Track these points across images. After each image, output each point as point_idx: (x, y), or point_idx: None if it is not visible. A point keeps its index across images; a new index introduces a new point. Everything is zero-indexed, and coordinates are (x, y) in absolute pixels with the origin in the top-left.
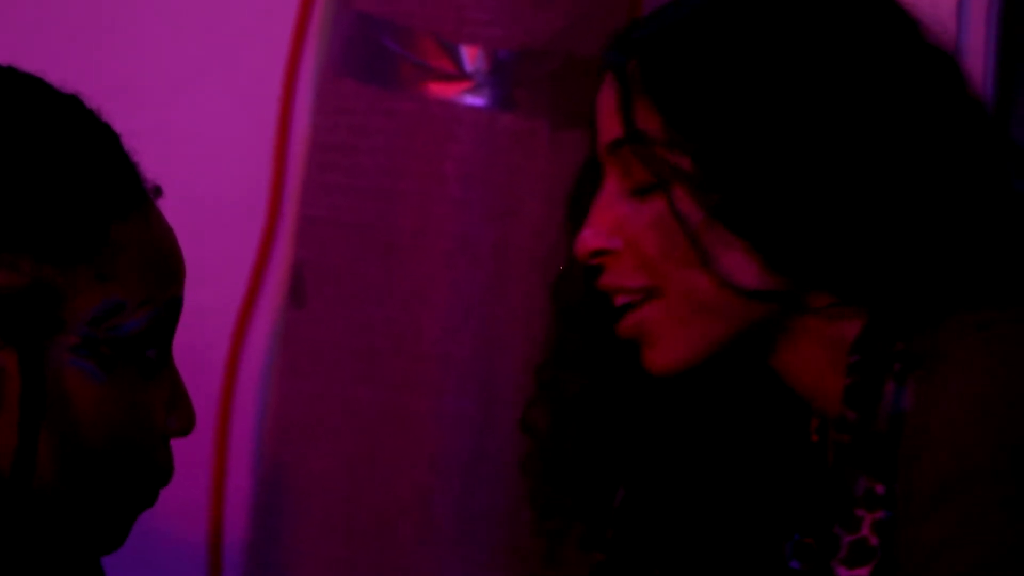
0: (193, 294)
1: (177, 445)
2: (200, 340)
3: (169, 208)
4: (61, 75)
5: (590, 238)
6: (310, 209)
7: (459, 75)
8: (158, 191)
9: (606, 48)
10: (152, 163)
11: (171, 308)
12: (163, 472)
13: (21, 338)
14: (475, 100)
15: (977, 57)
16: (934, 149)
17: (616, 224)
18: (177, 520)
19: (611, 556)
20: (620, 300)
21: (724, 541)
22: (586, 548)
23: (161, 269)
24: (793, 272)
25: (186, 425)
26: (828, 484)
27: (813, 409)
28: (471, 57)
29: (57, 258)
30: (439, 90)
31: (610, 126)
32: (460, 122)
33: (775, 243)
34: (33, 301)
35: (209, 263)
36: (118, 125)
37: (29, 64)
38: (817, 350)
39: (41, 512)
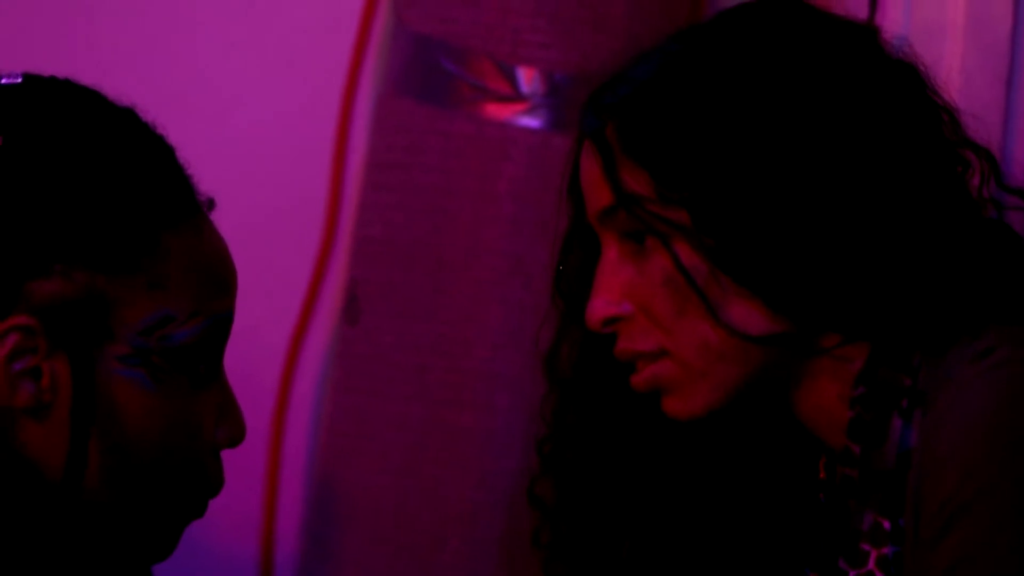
0: (249, 310)
1: (230, 460)
2: (255, 355)
3: (226, 224)
4: (119, 90)
5: (601, 307)
6: (365, 227)
7: (515, 96)
8: (211, 203)
9: (581, 115)
10: (210, 180)
11: (222, 321)
12: (212, 483)
13: (73, 346)
14: (530, 121)
15: None
16: (916, 179)
17: (624, 289)
18: (229, 534)
19: None
20: (639, 364)
21: None
22: None
23: (212, 281)
24: (796, 314)
25: (235, 436)
26: (834, 518)
27: (822, 446)
28: (527, 79)
29: (109, 268)
30: (495, 111)
31: (599, 194)
32: (515, 143)
33: (775, 286)
34: (85, 310)
35: (265, 279)
36: (177, 141)
37: (90, 77)
38: (828, 387)
39: (90, 519)
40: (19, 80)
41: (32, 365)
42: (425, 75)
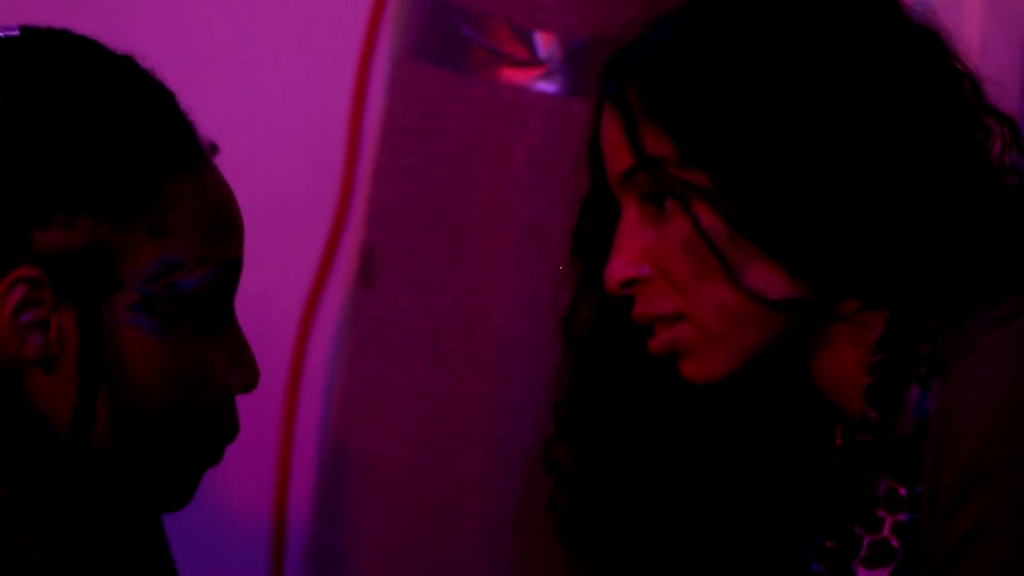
0: (263, 274)
1: (243, 426)
2: (269, 320)
3: (242, 189)
4: (139, 58)
5: (620, 269)
6: (381, 192)
7: (532, 61)
8: (214, 148)
9: (601, 77)
10: (226, 144)
11: (231, 268)
12: (227, 429)
13: (79, 297)
14: (547, 87)
15: None
16: (938, 145)
17: (643, 252)
18: (241, 502)
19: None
20: (657, 328)
21: (747, 546)
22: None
23: (218, 227)
24: (816, 279)
25: (249, 380)
26: (850, 484)
27: (839, 413)
28: (544, 44)
29: (112, 215)
30: (512, 76)
31: (619, 156)
32: (532, 108)
33: (795, 250)
34: (90, 260)
35: (280, 244)
36: (193, 106)
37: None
38: (847, 353)
39: (101, 470)
40: (16, 33)
41: (40, 317)
42: (442, 39)
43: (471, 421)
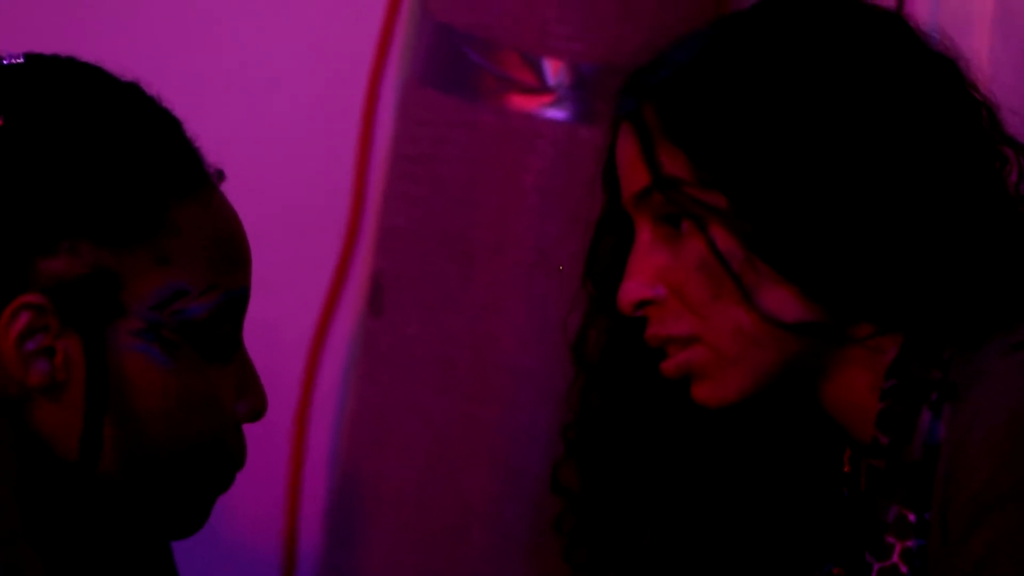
0: (273, 300)
1: (253, 450)
2: (279, 347)
3: (250, 215)
4: (141, 76)
5: (634, 289)
6: (390, 218)
7: (541, 88)
8: (221, 175)
9: (619, 96)
10: (234, 171)
11: (237, 298)
12: (236, 457)
13: (83, 324)
14: (556, 113)
15: None
16: (955, 172)
17: (658, 272)
18: (252, 526)
19: None
20: (671, 350)
21: (755, 572)
22: None
23: (224, 254)
24: (831, 302)
25: (257, 408)
26: (859, 511)
27: (849, 439)
28: (554, 71)
29: (116, 241)
30: (520, 103)
31: (635, 176)
32: (541, 135)
33: (811, 273)
34: (94, 287)
35: (289, 270)
36: (200, 132)
37: (114, 67)
38: (860, 378)
39: (108, 498)
40: (20, 60)
41: (45, 345)
42: (450, 66)
43: (481, 445)
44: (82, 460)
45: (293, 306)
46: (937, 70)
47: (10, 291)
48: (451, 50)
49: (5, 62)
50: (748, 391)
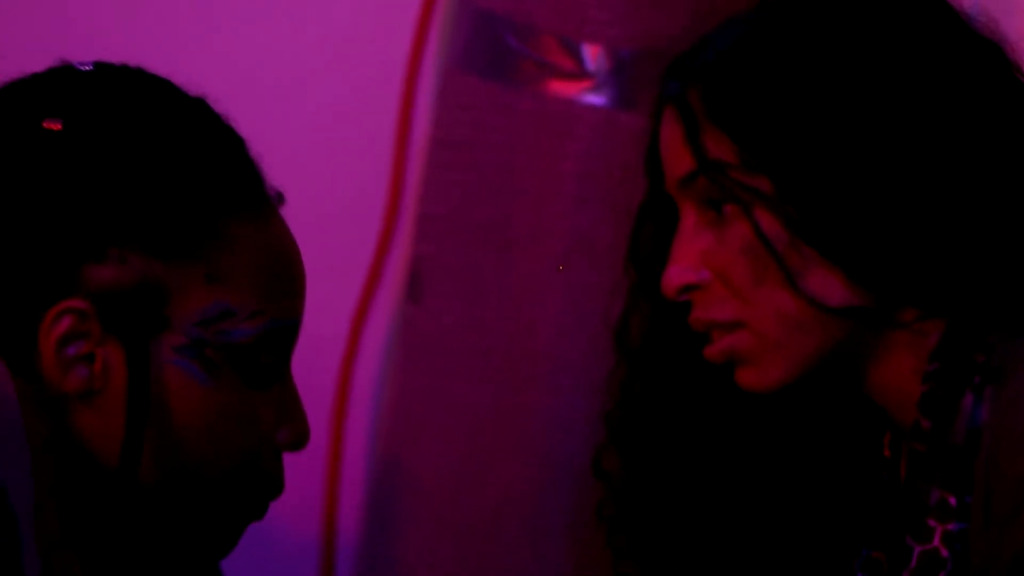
0: (312, 288)
1: None
2: (318, 334)
3: (289, 203)
4: (184, 71)
5: (678, 274)
6: (429, 205)
7: (580, 74)
8: (280, 198)
9: (662, 80)
10: (273, 159)
11: (286, 328)
12: (271, 485)
13: (127, 333)
14: (595, 99)
15: None
16: (1005, 154)
17: (702, 257)
18: (291, 514)
19: None
20: (715, 335)
21: (793, 557)
22: None
23: (277, 280)
24: (876, 286)
25: (296, 440)
26: (901, 495)
27: (890, 423)
28: (592, 56)
29: (166, 254)
30: (559, 88)
31: (679, 160)
32: (580, 120)
33: (856, 257)
34: (140, 298)
35: (328, 258)
36: (240, 121)
37: (156, 60)
38: (903, 362)
39: (145, 510)
40: (89, 67)
41: (86, 351)
42: (489, 51)
43: (520, 434)
44: (121, 468)
45: (331, 294)
46: (981, 53)
47: (55, 294)
48: (490, 36)
49: (75, 67)
50: (793, 376)
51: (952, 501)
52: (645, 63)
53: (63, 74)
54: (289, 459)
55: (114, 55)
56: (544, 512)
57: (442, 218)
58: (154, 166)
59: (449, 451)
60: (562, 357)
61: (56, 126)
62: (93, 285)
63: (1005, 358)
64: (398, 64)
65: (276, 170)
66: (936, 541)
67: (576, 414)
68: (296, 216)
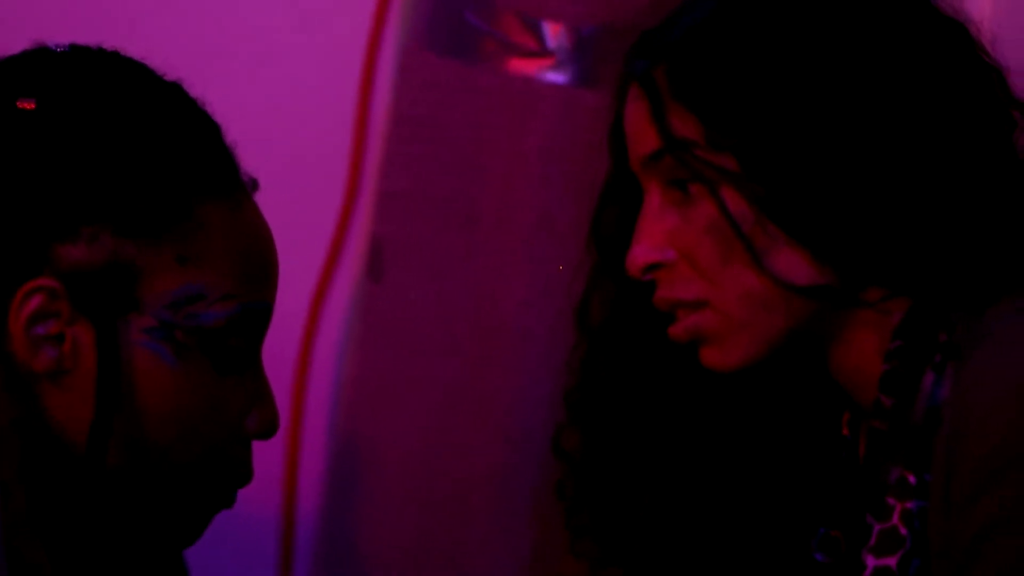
0: None
1: None
2: (277, 311)
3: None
4: (141, 45)
5: (643, 253)
6: (390, 183)
7: (541, 52)
8: (255, 184)
9: (627, 59)
10: (233, 135)
11: (257, 312)
12: (239, 473)
13: (97, 313)
14: (557, 77)
15: None
16: (965, 135)
17: (667, 236)
18: (251, 490)
19: (637, 566)
20: (679, 314)
21: (751, 536)
22: (610, 564)
23: (249, 264)
24: (842, 265)
25: (266, 428)
26: (860, 474)
27: (849, 402)
28: (554, 34)
29: (138, 234)
30: (521, 66)
31: (644, 139)
32: (542, 98)
33: (822, 235)
34: (111, 277)
35: (287, 235)
36: (197, 93)
37: (113, 36)
38: (867, 341)
39: (110, 491)
40: (65, 47)
41: (55, 331)
42: (450, 29)
43: (483, 411)
44: (89, 450)
45: (291, 271)
46: (947, 33)
47: (25, 273)
48: (451, 13)
49: (50, 47)
50: (757, 355)
51: (911, 479)
52: (606, 41)
53: (38, 55)
54: None
55: (73, 29)
56: (508, 488)
57: (404, 195)
58: (127, 146)
59: (411, 427)
60: (526, 333)
61: (29, 105)
62: (63, 264)
63: (967, 336)
64: (358, 41)
65: (236, 146)
66: (895, 519)
67: (540, 390)
68: (256, 193)
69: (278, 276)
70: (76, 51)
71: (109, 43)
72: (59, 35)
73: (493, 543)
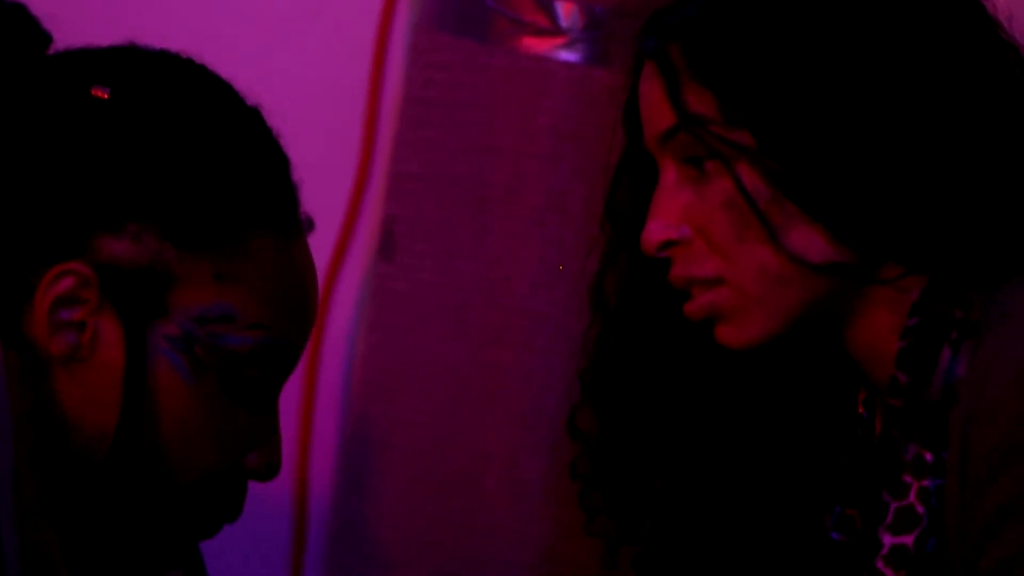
0: None
1: None
2: None
3: None
4: (152, 29)
5: (658, 230)
6: (402, 163)
7: (554, 30)
8: (310, 223)
9: (642, 36)
10: None
11: (283, 348)
12: (230, 506)
13: (125, 311)
14: (569, 56)
15: None
16: (983, 112)
17: (683, 213)
18: None
19: (651, 544)
20: (695, 291)
21: (766, 515)
22: (625, 542)
23: (286, 301)
24: (858, 242)
25: (265, 469)
26: (876, 452)
27: (865, 380)
28: (566, 13)
29: (183, 242)
30: (533, 45)
31: (659, 116)
32: (554, 77)
33: (838, 212)
34: (146, 279)
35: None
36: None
37: (129, 18)
38: (883, 319)
39: (116, 491)
40: (155, 50)
41: (78, 318)
42: (462, 9)
43: (495, 392)
44: (117, 444)
45: None
46: (964, 10)
47: (62, 254)
48: None
49: (140, 48)
50: (773, 332)
51: (928, 457)
52: (619, 20)
53: (126, 51)
54: None
55: (82, 11)
56: (520, 469)
57: (416, 176)
58: (189, 155)
59: (424, 407)
60: (538, 313)
61: (103, 94)
62: (102, 255)
63: (984, 313)
64: (370, 21)
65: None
66: (912, 497)
67: (552, 371)
68: None
69: (314, 320)
70: (163, 55)
71: (119, 28)
72: (68, 18)
73: (506, 523)
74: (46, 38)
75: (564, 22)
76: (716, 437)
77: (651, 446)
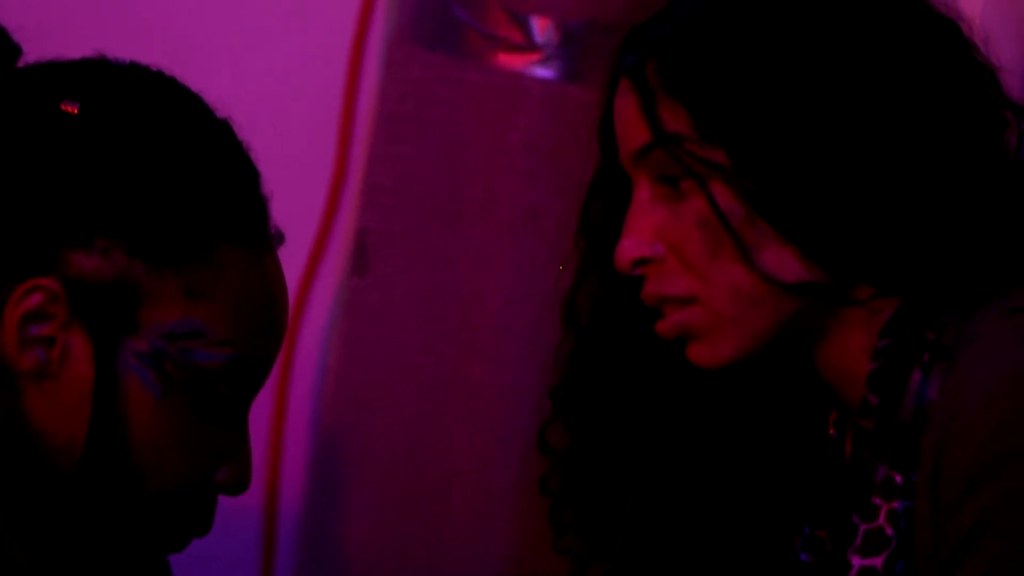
0: None
1: None
2: None
3: None
4: (125, 36)
5: (632, 247)
6: (376, 177)
7: (528, 46)
8: (280, 237)
9: (617, 53)
10: None
11: (253, 363)
12: (199, 522)
13: (94, 327)
14: (544, 72)
15: None
16: (956, 134)
17: (656, 231)
18: None
19: (621, 562)
20: (667, 310)
21: (733, 537)
22: (595, 560)
23: (256, 316)
24: (830, 263)
25: (234, 484)
26: (846, 473)
27: (836, 401)
28: (541, 28)
29: (151, 257)
30: (508, 61)
31: (634, 133)
32: (528, 93)
33: (811, 232)
34: (115, 295)
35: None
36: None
37: (101, 24)
38: (855, 340)
39: (85, 505)
40: (124, 64)
41: (47, 334)
42: (437, 23)
43: (466, 406)
44: (84, 464)
45: None
46: (939, 32)
47: (31, 270)
48: (437, 7)
49: (110, 62)
50: (745, 352)
51: (898, 479)
52: (594, 36)
53: (95, 64)
54: None
55: (61, 17)
56: (491, 483)
57: (390, 190)
58: (159, 170)
59: (394, 421)
60: (510, 328)
61: (73, 109)
62: (71, 270)
63: (956, 337)
64: (345, 34)
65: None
66: (881, 519)
67: (524, 386)
68: None
69: (284, 335)
70: (133, 68)
71: (94, 33)
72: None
73: (475, 537)
74: (15, 50)
75: (539, 37)
76: (687, 455)
77: (622, 463)
